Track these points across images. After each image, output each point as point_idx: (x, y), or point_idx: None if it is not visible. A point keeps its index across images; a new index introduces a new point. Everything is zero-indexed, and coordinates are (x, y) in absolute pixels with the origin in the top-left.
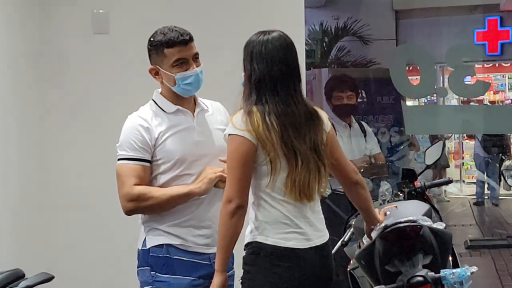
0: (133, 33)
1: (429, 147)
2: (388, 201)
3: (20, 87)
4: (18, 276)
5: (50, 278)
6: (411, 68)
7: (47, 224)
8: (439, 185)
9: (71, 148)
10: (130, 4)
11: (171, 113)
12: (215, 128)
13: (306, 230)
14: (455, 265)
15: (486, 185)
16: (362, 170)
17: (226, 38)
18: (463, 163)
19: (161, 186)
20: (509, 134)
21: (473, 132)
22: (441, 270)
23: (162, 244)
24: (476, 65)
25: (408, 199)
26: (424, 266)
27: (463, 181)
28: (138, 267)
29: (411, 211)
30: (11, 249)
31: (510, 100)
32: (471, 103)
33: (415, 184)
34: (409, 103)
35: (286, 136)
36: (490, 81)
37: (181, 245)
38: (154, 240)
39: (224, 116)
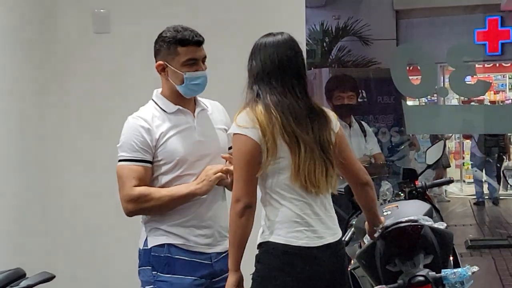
0: (134, 32)
1: (430, 147)
2: (389, 201)
3: (20, 87)
4: (19, 275)
5: (50, 278)
6: (411, 68)
7: (48, 223)
8: (439, 185)
9: (72, 148)
10: (131, 3)
11: (172, 113)
12: (216, 127)
13: (318, 228)
14: (456, 265)
15: (486, 185)
16: None
17: (226, 38)
18: (463, 163)
19: (163, 186)
20: (509, 134)
21: (474, 132)
22: (442, 270)
23: (164, 244)
24: (477, 65)
25: (409, 198)
26: (425, 266)
27: (464, 181)
28: (139, 267)
29: (412, 211)
30: (12, 249)
31: (510, 100)
32: (472, 103)
33: (416, 184)
34: (409, 103)
35: (287, 124)
36: (490, 81)
37: (183, 244)
38: (155, 240)
39: (223, 115)
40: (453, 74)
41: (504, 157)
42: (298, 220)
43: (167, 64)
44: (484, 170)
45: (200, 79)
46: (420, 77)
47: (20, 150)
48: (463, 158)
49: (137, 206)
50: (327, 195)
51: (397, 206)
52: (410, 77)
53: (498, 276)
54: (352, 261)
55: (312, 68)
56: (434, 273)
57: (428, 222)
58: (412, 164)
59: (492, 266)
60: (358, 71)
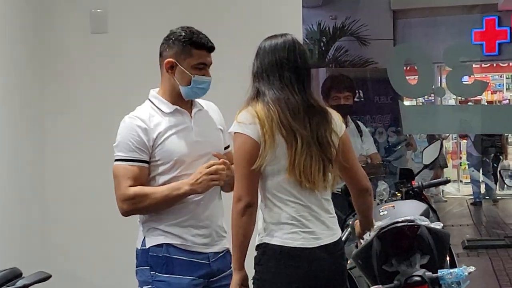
0: (131, 32)
1: (426, 147)
2: (385, 201)
3: (17, 87)
4: (16, 275)
5: (47, 277)
6: (408, 68)
7: (45, 223)
8: (436, 185)
9: (69, 148)
10: (128, 3)
11: (169, 114)
12: (212, 128)
13: (315, 229)
14: (453, 265)
15: (483, 185)
16: None
17: (223, 38)
18: (460, 163)
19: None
20: (506, 134)
21: (471, 132)
22: (439, 270)
23: (162, 244)
24: (474, 65)
25: (406, 199)
26: (422, 266)
27: (461, 181)
28: (137, 267)
29: (408, 211)
30: (8, 248)
31: (507, 100)
32: (469, 103)
33: (413, 184)
34: (406, 102)
35: (284, 117)
36: (487, 81)
37: (181, 244)
38: (153, 240)
39: (218, 115)
40: (450, 74)
41: (501, 157)
42: (293, 222)
43: (177, 63)
44: (481, 170)
45: (206, 84)
46: (417, 77)
47: (16, 149)
48: (460, 158)
49: (133, 206)
50: (326, 195)
51: (393, 206)
52: (407, 77)
53: (495, 276)
54: (349, 261)
55: None
56: (430, 273)
57: (424, 222)
58: (409, 164)
59: (489, 266)
60: (355, 71)
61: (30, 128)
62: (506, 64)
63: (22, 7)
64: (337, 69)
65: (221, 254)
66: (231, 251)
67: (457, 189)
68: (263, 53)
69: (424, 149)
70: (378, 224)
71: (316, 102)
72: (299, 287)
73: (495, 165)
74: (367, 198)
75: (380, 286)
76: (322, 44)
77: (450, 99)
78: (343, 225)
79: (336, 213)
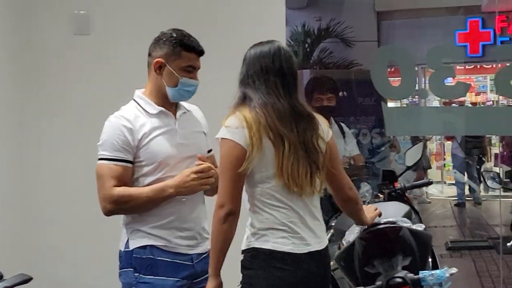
0: (114, 34)
1: (409, 149)
2: (368, 202)
3: None
4: None
5: (28, 279)
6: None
7: (26, 225)
8: (419, 186)
9: (51, 150)
10: (111, 5)
11: (154, 115)
12: (196, 130)
13: (304, 235)
14: (435, 266)
15: (467, 186)
16: None
17: (204, 38)
18: (444, 164)
19: None
20: (488, 136)
21: (454, 133)
22: (420, 272)
23: (146, 246)
24: (458, 67)
25: (388, 200)
26: (404, 268)
27: (445, 182)
28: (120, 269)
29: (391, 213)
30: None
31: (491, 102)
32: (453, 105)
33: (395, 185)
34: (391, 104)
35: (271, 121)
36: (471, 83)
37: (165, 246)
38: (137, 242)
39: (202, 119)
40: (432, 76)
41: (483, 159)
42: (283, 228)
43: (166, 64)
44: (466, 171)
45: (192, 87)
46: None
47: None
48: (444, 159)
49: (116, 206)
50: (314, 201)
51: (376, 208)
52: (391, 79)
53: (478, 277)
54: (331, 262)
55: None
56: (412, 274)
57: (406, 223)
58: (393, 166)
59: (472, 267)
60: (340, 73)
61: (12, 131)
62: (490, 66)
63: (2, 9)
64: (321, 71)
65: (205, 255)
66: (210, 257)
67: (441, 191)
68: (249, 60)
69: (407, 150)
70: (360, 226)
71: (302, 107)
72: None
73: (477, 167)
74: (352, 207)
75: (362, 287)
76: (306, 45)
77: (434, 101)
78: (326, 227)
79: None
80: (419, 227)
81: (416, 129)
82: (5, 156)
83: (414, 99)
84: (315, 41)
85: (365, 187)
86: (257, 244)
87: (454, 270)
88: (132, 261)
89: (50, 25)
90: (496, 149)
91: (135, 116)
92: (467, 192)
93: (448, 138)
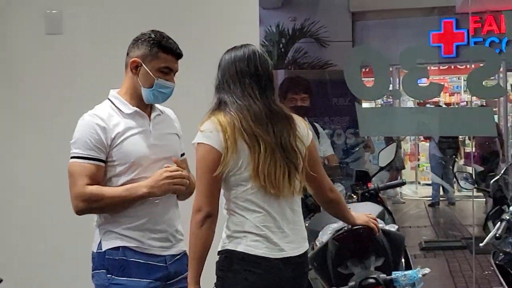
0: (86, 34)
1: (382, 149)
2: None
3: None
4: None
5: None
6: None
7: None
8: (392, 187)
9: (22, 151)
10: (84, 4)
11: (128, 115)
12: (170, 132)
13: (278, 241)
14: (408, 266)
15: (441, 187)
16: None
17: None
18: (418, 164)
19: None
20: (461, 136)
21: (429, 134)
22: (393, 272)
23: (119, 247)
24: (432, 67)
25: (362, 200)
26: (377, 268)
27: (419, 183)
28: (93, 270)
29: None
30: None
31: (465, 102)
32: (427, 105)
33: (369, 186)
34: (366, 104)
35: (246, 123)
36: (444, 83)
37: (138, 247)
38: (110, 243)
39: (176, 122)
40: (406, 76)
41: (456, 159)
42: (257, 232)
43: (142, 64)
44: (441, 172)
45: (168, 89)
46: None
47: None
48: (418, 160)
49: (88, 205)
50: (293, 204)
51: (349, 208)
52: (366, 79)
53: (451, 277)
54: None
55: None
56: (385, 275)
57: (379, 224)
58: (367, 166)
59: (445, 267)
60: (314, 73)
61: None
62: (464, 66)
63: None
64: (296, 71)
65: (178, 256)
66: (189, 264)
67: (415, 191)
68: (224, 65)
69: (380, 151)
70: (333, 227)
71: (279, 108)
72: None
73: (451, 167)
74: (334, 207)
75: None
76: (281, 45)
77: (409, 101)
78: None
79: None
80: (392, 227)
81: (390, 130)
82: None
83: (388, 100)
84: (290, 41)
85: (338, 188)
86: (230, 246)
87: (426, 270)
88: (104, 262)
89: (23, 25)
90: (468, 149)
91: (109, 115)
92: (441, 192)
93: (426, 138)
